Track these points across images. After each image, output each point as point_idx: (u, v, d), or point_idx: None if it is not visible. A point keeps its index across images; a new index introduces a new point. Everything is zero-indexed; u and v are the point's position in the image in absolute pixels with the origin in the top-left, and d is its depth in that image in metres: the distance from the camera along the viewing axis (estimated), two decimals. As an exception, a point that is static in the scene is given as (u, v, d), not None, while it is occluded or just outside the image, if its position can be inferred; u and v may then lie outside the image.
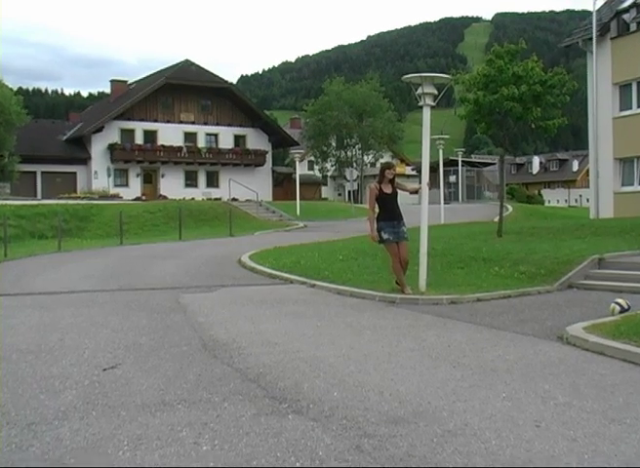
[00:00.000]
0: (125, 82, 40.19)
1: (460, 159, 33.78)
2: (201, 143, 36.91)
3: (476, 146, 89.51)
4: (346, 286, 7.90)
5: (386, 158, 42.49)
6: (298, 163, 29.13)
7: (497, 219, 14.01)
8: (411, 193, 7.96)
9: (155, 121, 35.62)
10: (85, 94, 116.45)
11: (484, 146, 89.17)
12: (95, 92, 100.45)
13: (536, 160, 68.02)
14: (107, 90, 44.80)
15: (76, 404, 3.48)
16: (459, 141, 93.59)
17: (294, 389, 3.73)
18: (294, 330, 5.49)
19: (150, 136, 35.32)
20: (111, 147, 33.89)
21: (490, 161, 46.90)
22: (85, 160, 34.05)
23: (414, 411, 3.33)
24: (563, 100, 11.64)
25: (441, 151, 19.03)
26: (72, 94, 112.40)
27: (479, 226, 15.58)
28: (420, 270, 7.37)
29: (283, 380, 3.92)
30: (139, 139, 34.94)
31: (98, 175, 33.73)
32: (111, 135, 34.08)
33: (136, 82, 41.35)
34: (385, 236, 7.27)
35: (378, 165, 44.64)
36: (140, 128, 35.08)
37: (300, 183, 30.01)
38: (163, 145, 35.09)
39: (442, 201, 20.21)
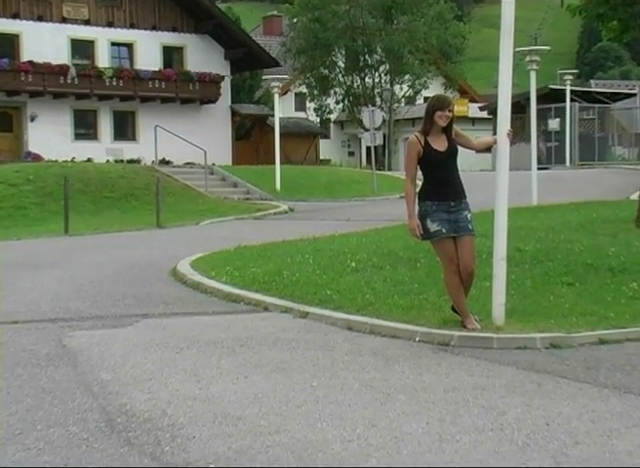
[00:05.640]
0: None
1: (568, 88, 33.77)
2: (103, 61, 36.75)
3: (599, 65, 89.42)
4: (363, 315, 7.92)
5: (435, 90, 42.35)
6: (278, 98, 29.08)
7: (636, 197, 14.00)
8: (478, 151, 7.98)
9: (16, 17, 35.31)
10: None
11: (614, 65, 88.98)
12: None
13: None
14: None
15: None
16: (567, 57, 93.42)
17: (270, 501, 3.76)
18: (270, 394, 5.51)
19: (7, 44, 35.13)
20: None
21: (625, 91, 46.84)
22: None
23: None
24: None
25: (534, 75, 19.04)
26: None
27: (603, 209, 15.56)
28: (494, 288, 7.39)
29: (250, 485, 3.95)
30: (-15, 51, 34.76)
31: None
32: None
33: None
34: (434, 227, 7.29)
35: (420, 101, 44.70)
36: (-13, 30, 34.89)
37: (283, 135, 29.94)
38: (32, 62, 34.89)
39: (534, 164, 20.19)
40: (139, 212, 22.45)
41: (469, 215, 7.39)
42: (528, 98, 19.77)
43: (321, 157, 44.16)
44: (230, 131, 39.09)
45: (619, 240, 10.90)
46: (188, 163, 31.97)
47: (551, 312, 7.73)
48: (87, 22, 36.55)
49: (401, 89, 44.73)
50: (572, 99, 34.69)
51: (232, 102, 39.57)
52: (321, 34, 41.82)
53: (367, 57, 43.54)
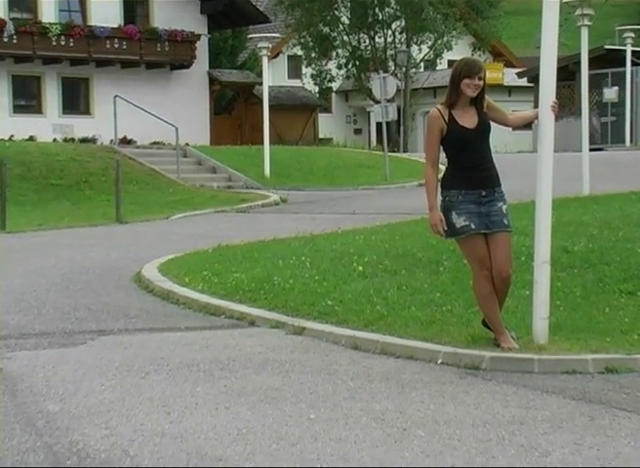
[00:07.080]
0: None
1: (629, 49, 33.68)
2: (49, 14, 36.64)
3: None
4: (373, 332, 7.95)
5: (462, 52, 42.34)
6: (267, 62, 29.12)
7: None
8: (515, 128, 7.94)
9: None
10: None
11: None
12: None
13: None
14: None
15: None
16: (628, 9, 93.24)
17: None
18: (258, 429, 5.51)
19: None
20: None
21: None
22: None
23: None
24: None
25: (586, 32, 19.00)
26: None
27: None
28: (535, 297, 7.40)
29: None
30: None
31: None
32: None
33: None
34: (461, 222, 7.30)
35: (444, 66, 44.68)
36: None
37: (274, 108, 29.89)
38: (-41, 17, 34.91)
39: (586, 144, 20.14)
40: (94, 203, 22.42)
41: (505, 208, 7.38)
42: (578, 62, 19.70)
43: (320, 135, 44.16)
44: (208, 103, 39.02)
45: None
46: (156, 143, 31.96)
47: (607, 328, 7.71)
48: (28, -32, 36.48)
49: (420, 50, 44.65)
50: (633, 63, 34.58)
51: (210, 67, 39.49)
52: (319, -16, 41.84)
53: (377, 10, 43.46)
